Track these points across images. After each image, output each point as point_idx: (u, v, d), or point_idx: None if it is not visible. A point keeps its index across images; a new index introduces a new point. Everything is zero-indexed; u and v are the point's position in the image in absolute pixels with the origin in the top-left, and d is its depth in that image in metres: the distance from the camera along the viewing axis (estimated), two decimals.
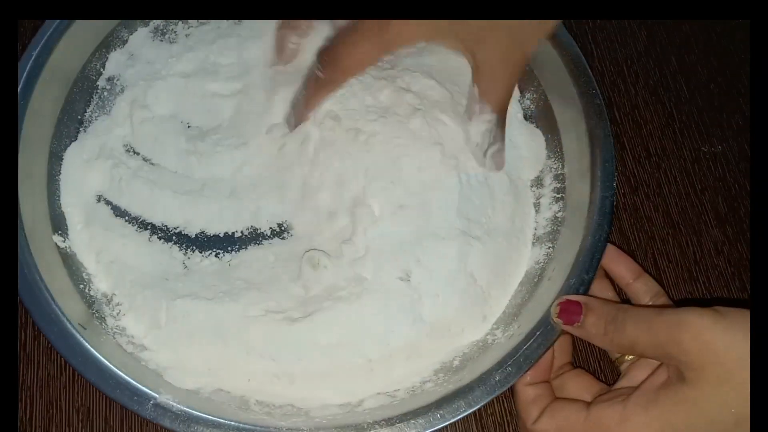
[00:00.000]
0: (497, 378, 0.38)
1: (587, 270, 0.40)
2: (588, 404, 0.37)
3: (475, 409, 0.37)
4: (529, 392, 0.39)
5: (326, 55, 0.40)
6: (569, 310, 0.38)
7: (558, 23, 0.40)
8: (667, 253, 0.49)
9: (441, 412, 0.37)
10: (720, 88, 0.55)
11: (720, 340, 0.33)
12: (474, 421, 0.45)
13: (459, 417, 0.37)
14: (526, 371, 0.38)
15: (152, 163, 0.46)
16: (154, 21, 0.49)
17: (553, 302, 0.39)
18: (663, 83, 0.55)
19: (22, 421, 0.43)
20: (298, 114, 0.44)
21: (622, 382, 0.39)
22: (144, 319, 0.41)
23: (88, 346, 0.38)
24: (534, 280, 0.43)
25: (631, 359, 0.40)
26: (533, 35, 0.40)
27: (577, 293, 0.40)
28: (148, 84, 0.47)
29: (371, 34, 0.38)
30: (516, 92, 0.48)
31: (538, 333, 0.39)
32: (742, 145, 0.53)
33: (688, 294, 0.48)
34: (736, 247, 0.50)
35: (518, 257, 0.44)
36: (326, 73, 0.40)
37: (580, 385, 0.41)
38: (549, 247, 0.44)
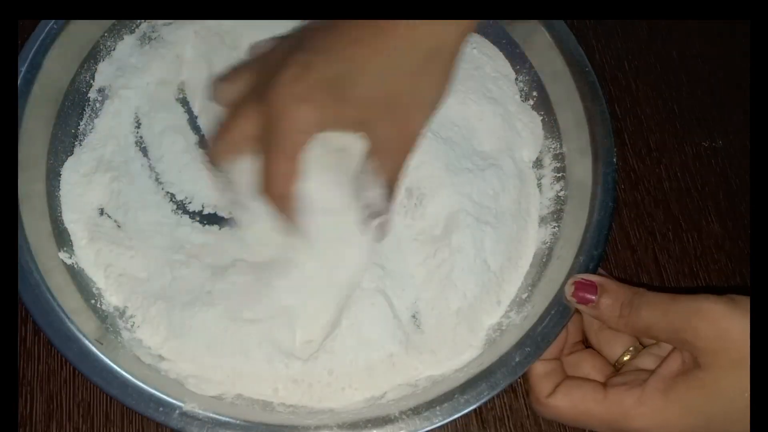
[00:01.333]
0: (517, 359, 0.38)
1: (596, 246, 0.41)
2: (603, 385, 0.38)
3: (497, 391, 0.38)
4: (541, 367, 0.40)
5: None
6: (584, 290, 0.38)
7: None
8: (667, 249, 0.49)
9: (465, 397, 0.38)
10: (721, 83, 0.55)
11: (735, 326, 0.34)
12: (474, 417, 0.45)
13: (483, 401, 0.38)
14: (545, 350, 0.39)
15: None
16: (141, 28, 0.49)
17: (565, 280, 0.40)
18: (664, 78, 0.55)
19: (23, 416, 0.43)
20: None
21: (636, 363, 0.40)
22: (159, 330, 0.41)
23: (109, 362, 0.37)
24: (543, 260, 0.44)
25: (628, 359, 0.41)
26: (422, 115, 0.38)
27: (587, 270, 0.40)
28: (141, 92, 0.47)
29: (276, 157, 0.37)
30: (511, 74, 0.49)
31: (553, 312, 0.39)
32: (743, 141, 0.53)
33: (689, 290, 0.48)
34: (736, 242, 0.50)
35: (527, 239, 0.44)
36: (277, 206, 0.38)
37: (593, 365, 0.41)
38: (554, 227, 0.45)
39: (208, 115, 0.46)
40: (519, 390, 0.45)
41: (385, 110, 0.37)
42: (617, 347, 0.41)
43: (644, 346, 0.41)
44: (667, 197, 0.51)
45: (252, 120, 0.37)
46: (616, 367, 0.41)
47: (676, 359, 0.37)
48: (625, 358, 0.41)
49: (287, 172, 0.37)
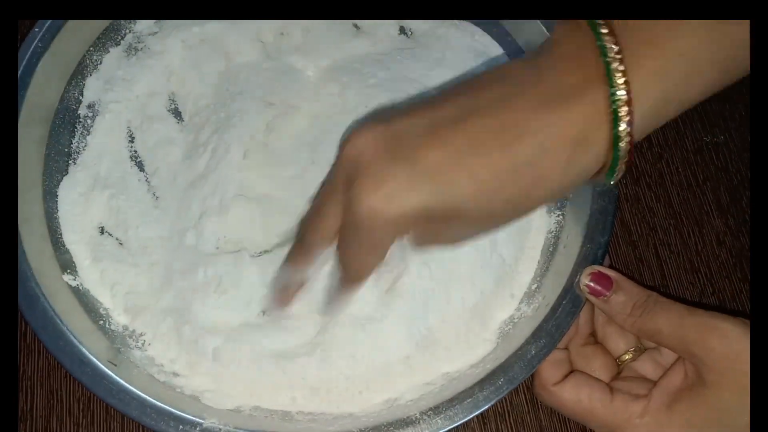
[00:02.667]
0: (533, 352, 0.39)
1: (602, 233, 0.41)
2: (609, 388, 0.39)
3: (516, 385, 0.38)
4: (551, 354, 0.39)
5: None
6: (599, 282, 0.39)
7: None
8: (668, 244, 0.49)
9: (484, 393, 0.38)
10: None
11: (747, 351, 0.34)
12: None
13: (502, 395, 0.38)
14: (559, 341, 0.39)
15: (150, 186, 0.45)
16: (126, 39, 0.48)
17: (575, 269, 0.40)
18: None
19: (23, 411, 0.43)
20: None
21: (636, 367, 0.41)
22: (171, 347, 0.41)
23: (124, 383, 0.37)
24: (550, 250, 0.44)
25: (629, 358, 0.41)
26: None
27: (595, 257, 0.40)
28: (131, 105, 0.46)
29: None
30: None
31: (565, 302, 0.39)
32: (745, 136, 0.52)
33: (689, 284, 0.48)
34: (737, 237, 0.50)
35: (536, 228, 0.44)
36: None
37: (603, 363, 0.41)
38: (558, 215, 0.45)
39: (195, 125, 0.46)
40: (519, 385, 0.45)
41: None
42: (620, 343, 0.41)
43: (644, 348, 0.41)
44: (669, 192, 0.51)
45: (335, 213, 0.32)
46: (617, 365, 0.41)
47: (678, 372, 0.37)
48: (626, 357, 0.41)
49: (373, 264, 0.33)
